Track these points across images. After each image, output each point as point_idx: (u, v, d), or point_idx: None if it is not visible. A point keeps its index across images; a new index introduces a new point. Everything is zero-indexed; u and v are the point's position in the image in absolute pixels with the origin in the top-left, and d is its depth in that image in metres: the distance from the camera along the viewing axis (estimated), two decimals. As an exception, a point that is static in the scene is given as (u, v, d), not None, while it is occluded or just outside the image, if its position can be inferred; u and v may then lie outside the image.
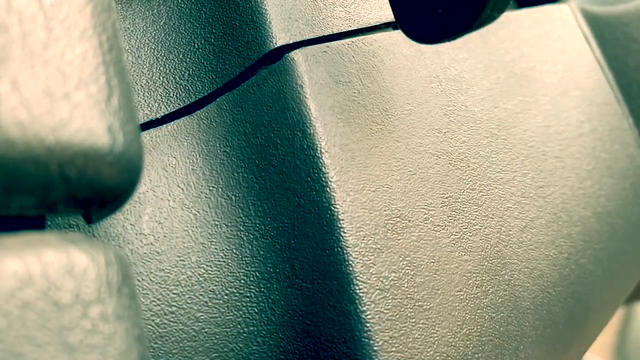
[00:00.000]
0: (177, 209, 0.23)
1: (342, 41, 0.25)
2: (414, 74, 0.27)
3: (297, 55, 0.24)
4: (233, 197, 0.24)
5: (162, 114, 0.25)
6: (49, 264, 0.12)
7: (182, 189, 0.24)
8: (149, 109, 0.25)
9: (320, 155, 0.23)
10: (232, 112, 0.25)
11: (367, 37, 0.26)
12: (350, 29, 0.26)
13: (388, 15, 0.28)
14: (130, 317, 0.13)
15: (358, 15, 0.27)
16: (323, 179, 0.22)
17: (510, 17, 0.35)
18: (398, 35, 0.28)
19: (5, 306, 0.11)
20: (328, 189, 0.22)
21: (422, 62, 0.28)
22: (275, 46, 0.24)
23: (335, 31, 0.26)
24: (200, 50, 0.25)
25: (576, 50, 0.37)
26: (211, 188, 0.24)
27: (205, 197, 0.24)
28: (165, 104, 0.25)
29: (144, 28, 0.26)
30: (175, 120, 0.25)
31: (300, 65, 0.24)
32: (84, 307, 0.12)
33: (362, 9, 0.27)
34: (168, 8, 0.26)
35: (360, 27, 0.27)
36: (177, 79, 0.26)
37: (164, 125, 0.25)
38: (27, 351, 0.11)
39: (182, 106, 0.25)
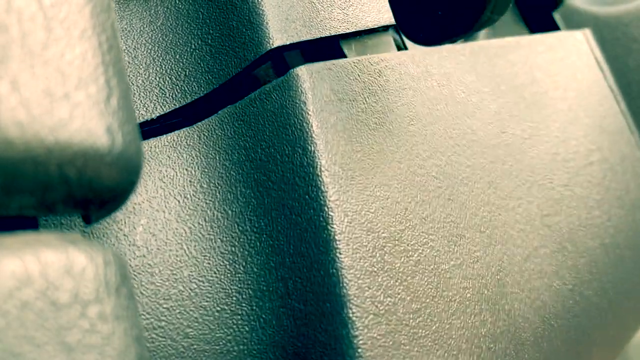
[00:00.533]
0: (172, 221, 0.23)
1: (348, 59, 0.25)
2: (419, 95, 0.27)
3: (301, 71, 0.23)
4: (230, 212, 0.24)
5: (158, 115, 0.25)
6: (48, 264, 0.12)
7: (179, 201, 0.24)
8: (144, 109, 0.25)
9: (320, 174, 0.22)
10: (234, 125, 0.24)
11: (373, 57, 0.26)
12: (348, 31, 0.26)
13: (386, 18, 0.28)
14: (129, 318, 0.13)
15: (356, 17, 0.27)
16: (322, 197, 0.22)
17: (522, 42, 0.34)
18: (405, 55, 0.27)
19: (4, 306, 0.11)
20: (326, 208, 0.22)
21: (428, 84, 0.28)
22: (272, 47, 0.24)
23: (333, 33, 0.26)
24: (197, 50, 0.25)
25: (589, 78, 0.37)
26: (208, 201, 0.24)
27: (202, 210, 0.24)
28: (161, 104, 0.25)
29: (141, 28, 0.26)
30: (176, 132, 0.25)
31: (305, 82, 0.23)
32: (83, 307, 0.12)
33: (360, 11, 0.27)
34: (165, 8, 0.26)
35: (358, 29, 0.27)
36: (174, 79, 0.25)
37: (164, 135, 0.25)
38: (26, 351, 0.11)
39: (177, 107, 0.25)
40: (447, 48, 0.30)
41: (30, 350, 0.11)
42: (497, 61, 0.32)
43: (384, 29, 0.28)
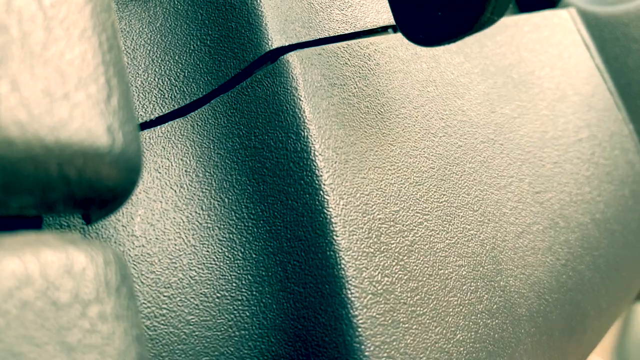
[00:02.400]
0: (169, 211, 0.23)
1: (338, 44, 0.25)
2: (410, 78, 0.27)
3: (292, 57, 0.23)
4: (226, 200, 0.24)
5: (157, 115, 0.25)
6: (48, 263, 0.12)
7: (175, 191, 0.24)
8: (143, 110, 0.25)
9: (314, 158, 0.22)
10: (227, 114, 0.24)
11: (362, 40, 0.26)
12: (347, 32, 0.26)
13: (385, 19, 0.28)
14: (129, 317, 0.13)
15: (355, 18, 0.27)
16: (316, 181, 0.22)
17: (509, 22, 0.34)
18: (394, 38, 0.28)
19: (4, 306, 0.11)
20: (321, 192, 0.22)
21: (418, 66, 0.28)
22: (272, 48, 0.24)
23: (332, 34, 0.26)
24: (196, 51, 0.25)
25: (575, 56, 0.37)
26: (204, 190, 0.24)
27: (198, 199, 0.24)
28: (160, 105, 0.25)
29: (140, 29, 0.26)
30: (169, 122, 0.25)
31: (295, 68, 0.23)
32: (83, 306, 0.12)
33: (359, 12, 0.27)
34: (164, 9, 0.26)
35: (357, 30, 0.27)
36: (173, 80, 0.25)
37: (158, 126, 0.25)
38: (26, 351, 0.11)
39: (176, 107, 0.25)
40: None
41: (30, 350, 0.11)
42: (485, 42, 0.32)
43: (383, 29, 0.28)
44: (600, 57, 0.39)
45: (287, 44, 0.24)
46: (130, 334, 0.13)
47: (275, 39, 0.24)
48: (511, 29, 0.34)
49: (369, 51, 0.26)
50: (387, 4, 0.28)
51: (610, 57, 0.40)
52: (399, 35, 0.28)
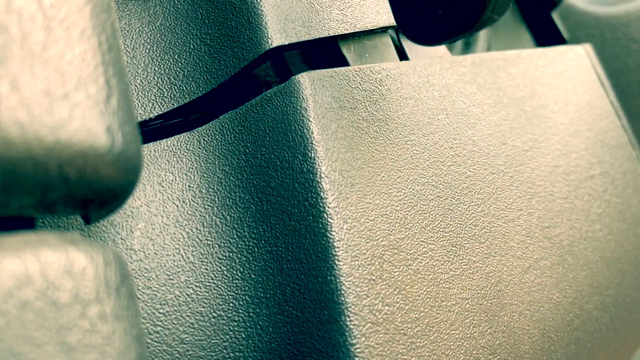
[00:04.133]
0: (170, 226, 0.23)
1: (350, 67, 0.25)
2: (420, 105, 0.27)
3: (303, 78, 0.23)
4: (228, 217, 0.23)
5: (156, 114, 0.25)
6: (48, 263, 0.12)
7: (177, 206, 0.23)
8: (143, 109, 0.25)
9: (319, 180, 0.22)
10: (234, 130, 0.24)
11: (375, 66, 0.26)
12: (346, 32, 0.26)
13: (385, 20, 0.28)
14: (129, 317, 0.13)
15: (355, 18, 0.27)
16: (321, 204, 0.22)
17: (523, 55, 0.34)
18: (406, 65, 0.28)
19: (4, 306, 0.11)
20: (325, 215, 0.22)
21: (429, 94, 0.28)
22: (271, 47, 0.24)
23: (332, 34, 0.26)
24: (196, 50, 0.26)
25: (590, 92, 0.37)
26: (206, 207, 0.24)
27: (200, 215, 0.23)
28: (159, 104, 0.25)
29: (140, 28, 0.26)
30: (175, 136, 0.25)
31: (306, 88, 0.23)
32: (83, 306, 0.12)
33: (359, 12, 0.27)
34: (164, 9, 0.26)
35: (356, 30, 0.27)
36: (172, 79, 0.26)
37: (164, 140, 0.25)
38: (26, 351, 0.11)
39: (176, 106, 0.25)
40: (448, 59, 0.30)
41: (30, 350, 0.11)
42: (499, 73, 0.32)
43: (383, 30, 0.28)
44: (615, 94, 0.39)
45: (286, 42, 0.24)
46: (130, 333, 0.13)
47: (275, 38, 0.24)
48: (526, 62, 0.34)
49: (380, 76, 0.26)
50: (387, 5, 0.28)
51: (610, 57, 0.40)
52: (412, 62, 0.28)
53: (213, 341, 0.22)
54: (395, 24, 0.28)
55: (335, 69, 0.25)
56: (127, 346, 0.13)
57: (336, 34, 0.26)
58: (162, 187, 0.24)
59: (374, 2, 0.28)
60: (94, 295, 0.13)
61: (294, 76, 0.24)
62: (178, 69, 0.25)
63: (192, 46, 0.26)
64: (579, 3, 0.43)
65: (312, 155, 0.22)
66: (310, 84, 0.24)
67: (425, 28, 0.22)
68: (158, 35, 0.26)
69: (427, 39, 0.22)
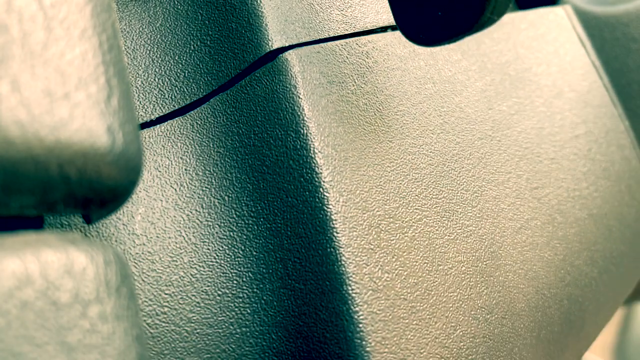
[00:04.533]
0: (170, 209, 0.23)
1: (336, 42, 0.25)
2: (407, 75, 0.27)
3: (290, 55, 0.24)
4: (226, 198, 0.24)
5: (157, 116, 0.25)
6: (48, 263, 0.12)
7: (175, 190, 0.24)
8: (143, 110, 0.25)
9: (313, 156, 0.23)
10: (226, 112, 0.25)
11: (361, 38, 0.26)
12: (346, 32, 0.26)
13: (385, 20, 0.28)
14: (129, 317, 0.13)
15: (355, 18, 0.27)
16: (316, 179, 0.22)
17: (505, 20, 0.35)
18: (392, 36, 0.28)
19: (4, 306, 0.11)
20: (321, 189, 0.22)
21: (416, 64, 0.28)
22: (272, 49, 0.24)
23: (332, 34, 0.26)
24: (196, 52, 0.25)
25: (571, 53, 0.38)
26: (204, 188, 0.24)
27: (199, 197, 0.24)
28: (160, 105, 0.25)
29: (140, 29, 0.26)
30: (169, 121, 0.25)
31: (294, 66, 0.24)
32: (83, 306, 0.12)
33: (359, 12, 0.27)
34: (164, 9, 0.26)
35: (356, 30, 0.27)
36: (173, 80, 0.25)
37: (158, 125, 0.25)
38: (26, 351, 0.11)
39: (177, 108, 0.25)
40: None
41: (30, 350, 0.11)
42: (482, 39, 0.32)
43: (382, 30, 0.28)
44: (596, 54, 0.39)
45: (287, 44, 0.24)
46: (131, 334, 0.13)
47: (276, 40, 0.24)
48: (508, 26, 0.34)
49: (367, 49, 0.26)
50: (387, 4, 0.29)
51: (610, 57, 0.40)
52: (397, 32, 0.28)
53: (219, 318, 0.23)
54: (395, 23, 0.28)
55: (322, 44, 0.25)
56: (128, 346, 0.13)
57: (336, 34, 0.26)
58: (159, 171, 0.24)
59: (374, 2, 0.28)
60: (94, 295, 0.13)
61: (281, 54, 0.24)
62: (179, 71, 0.25)
63: (192, 47, 0.25)
64: (579, 3, 0.43)
65: (304, 131, 0.23)
66: (298, 61, 0.24)
67: (424, 29, 0.22)
68: (158, 36, 0.26)
69: (426, 40, 0.22)
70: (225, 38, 0.25)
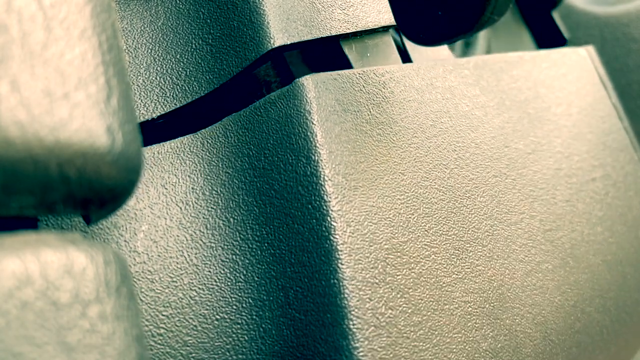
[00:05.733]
0: (173, 228, 0.23)
1: (353, 70, 0.25)
2: (424, 108, 0.27)
3: (307, 80, 0.23)
4: (231, 220, 0.23)
5: (159, 114, 0.25)
6: (48, 263, 0.12)
7: (181, 208, 0.23)
8: (145, 109, 0.25)
9: (323, 183, 0.22)
10: (238, 133, 0.24)
11: (378, 68, 0.26)
12: (348, 31, 0.26)
13: (387, 19, 0.28)
14: (129, 317, 0.13)
15: (356, 17, 0.27)
16: (324, 207, 0.22)
17: (526, 57, 0.34)
18: (410, 68, 0.28)
19: (4, 306, 0.11)
20: (329, 218, 0.22)
21: (433, 96, 0.28)
22: (273, 47, 0.24)
23: (334, 33, 0.26)
24: (198, 50, 0.25)
25: (592, 94, 0.37)
26: (210, 209, 0.24)
27: (204, 217, 0.23)
28: (162, 104, 0.25)
29: (142, 28, 0.26)
30: (179, 138, 0.25)
31: (310, 91, 0.23)
32: (83, 306, 0.12)
33: (361, 11, 0.27)
34: (166, 8, 0.26)
35: (358, 29, 0.27)
36: (174, 79, 0.25)
37: (167, 142, 0.25)
38: (26, 351, 0.11)
39: (178, 106, 0.25)
40: (451, 62, 0.30)
41: (30, 350, 0.11)
42: (501, 76, 0.32)
43: (384, 29, 0.28)
44: (617, 96, 0.39)
45: (288, 42, 0.24)
46: (130, 334, 0.13)
47: (277, 38, 0.24)
48: (528, 64, 0.34)
49: (384, 79, 0.26)
50: (388, 3, 0.28)
51: (610, 57, 0.40)
52: (415, 65, 0.28)
53: (216, 344, 0.22)
54: (396, 22, 0.28)
55: (339, 72, 0.25)
56: (127, 346, 0.13)
57: (338, 33, 0.26)
58: (166, 189, 0.24)
59: (376, 1, 0.28)
60: (94, 295, 0.13)
61: (297, 79, 0.24)
62: (180, 69, 0.25)
63: (194, 46, 0.26)
64: (579, 3, 0.43)
65: (316, 158, 0.22)
66: (314, 87, 0.24)
67: (425, 28, 0.22)
68: (160, 35, 0.26)
69: (427, 40, 0.22)
70: (226, 36, 0.25)
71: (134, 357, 0.13)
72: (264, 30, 0.24)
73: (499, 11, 0.20)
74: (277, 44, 0.24)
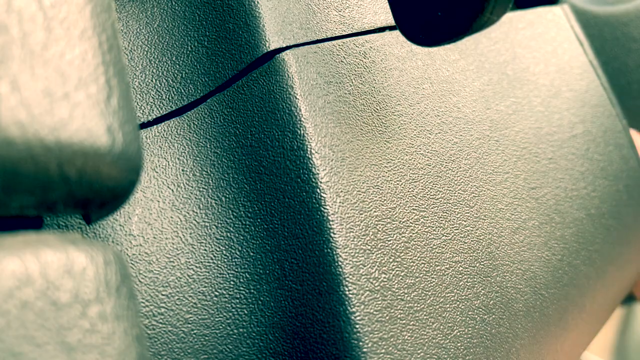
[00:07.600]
0: (166, 210, 0.23)
1: (333, 42, 0.25)
2: (405, 75, 0.27)
3: (287, 55, 0.24)
4: (223, 198, 0.24)
5: (155, 117, 0.25)
6: (48, 263, 0.12)
7: (172, 190, 0.24)
8: (141, 111, 0.25)
9: (310, 156, 0.22)
10: (223, 113, 0.24)
11: (358, 38, 0.26)
12: (344, 33, 0.26)
13: (383, 20, 0.28)
14: (129, 317, 0.13)
15: (352, 19, 0.27)
16: (313, 179, 0.22)
17: (503, 19, 0.35)
18: (389, 36, 0.28)
19: (4, 306, 0.11)
20: (318, 190, 0.22)
21: (413, 64, 0.28)
22: (269, 49, 0.24)
23: (330, 35, 0.26)
24: (194, 53, 0.25)
25: (569, 52, 0.37)
26: (201, 189, 0.24)
27: (195, 198, 0.24)
28: (157, 106, 0.25)
29: (138, 30, 0.26)
30: (166, 122, 0.25)
31: (291, 66, 0.23)
32: (83, 306, 0.12)
33: (357, 13, 0.27)
34: (162, 10, 0.26)
35: (354, 31, 0.27)
36: (170, 81, 0.25)
37: (155, 126, 0.25)
38: (26, 351, 0.11)
39: (174, 109, 0.25)
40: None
41: (30, 350, 0.11)
42: (480, 39, 0.32)
43: (380, 30, 0.28)
44: (594, 53, 0.39)
45: (284, 45, 0.24)
46: (131, 333, 0.13)
47: (273, 41, 0.24)
48: (505, 26, 0.34)
49: (364, 49, 0.26)
50: (385, 5, 0.28)
51: (610, 57, 0.40)
52: (395, 32, 0.28)
53: (216, 319, 0.23)
54: (392, 24, 0.28)
55: (319, 44, 0.25)
56: (128, 346, 0.13)
57: (334, 35, 0.26)
58: (156, 172, 0.24)
59: (372, 2, 0.28)
60: (94, 295, 0.13)
61: (278, 54, 0.24)
62: (176, 71, 0.25)
63: (190, 48, 0.25)
64: (579, 2, 0.43)
65: (301, 132, 0.23)
66: (295, 61, 0.24)
67: (424, 29, 0.22)
68: (156, 37, 0.26)
69: (426, 40, 0.22)
70: (222, 39, 0.25)
71: (134, 357, 0.13)
72: (259, 33, 0.24)
73: (498, 12, 0.20)
74: (272, 47, 0.24)
